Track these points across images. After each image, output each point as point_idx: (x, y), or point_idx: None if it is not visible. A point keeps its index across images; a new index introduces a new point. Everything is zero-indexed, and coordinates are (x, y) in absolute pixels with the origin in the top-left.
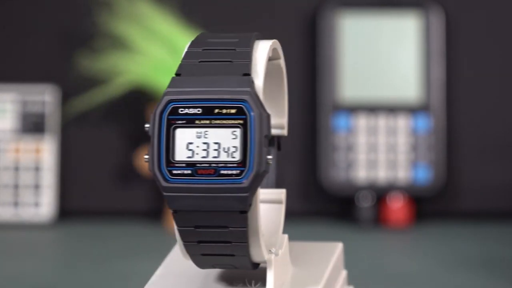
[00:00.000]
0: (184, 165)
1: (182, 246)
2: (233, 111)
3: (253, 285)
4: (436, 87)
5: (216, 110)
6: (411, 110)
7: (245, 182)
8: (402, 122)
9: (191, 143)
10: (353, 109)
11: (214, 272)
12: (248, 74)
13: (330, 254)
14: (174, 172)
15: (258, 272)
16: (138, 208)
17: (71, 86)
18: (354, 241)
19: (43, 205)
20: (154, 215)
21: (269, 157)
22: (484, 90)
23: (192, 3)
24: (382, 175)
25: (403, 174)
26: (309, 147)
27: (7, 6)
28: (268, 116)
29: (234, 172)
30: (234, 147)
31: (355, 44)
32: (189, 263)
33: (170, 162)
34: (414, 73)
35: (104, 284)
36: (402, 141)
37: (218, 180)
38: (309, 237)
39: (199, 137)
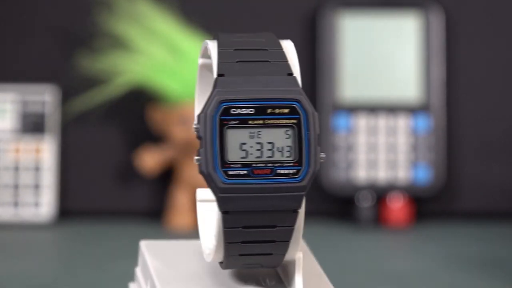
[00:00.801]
0: (239, 165)
1: (221, 247)
2: (286, 110)
3: (268, 283)
4: (436, 87)
5: (269, 110)
6: (411, 110)
7: (304, 181)
8: (402, 122)
9: (244, 144)
10: (353, 109)
11: (224, 270)
12: (291, 74)
13: (306, 251)
14: (230, 172)
15: (266, 270)
16: (138, 208)
17: (71, 86)
18: (354, 241)
19: (43, 205)
20: (154, 215)
21: (322, 155)
22: (484, 90)
23: (192, 3)
24: (382, 175)
25: (403, 174)
26: None
27: (7, 6)
28: (318, 115)
29: (290, 171)
30: (288, 146)
31: (355, 44)
32: (180, 262)
33: (225, 163)
34: (414, 73)
35: (104, 284)
36: (402, 141)
37: (275, 180)
38: (309, 237)
39: (252, 137)
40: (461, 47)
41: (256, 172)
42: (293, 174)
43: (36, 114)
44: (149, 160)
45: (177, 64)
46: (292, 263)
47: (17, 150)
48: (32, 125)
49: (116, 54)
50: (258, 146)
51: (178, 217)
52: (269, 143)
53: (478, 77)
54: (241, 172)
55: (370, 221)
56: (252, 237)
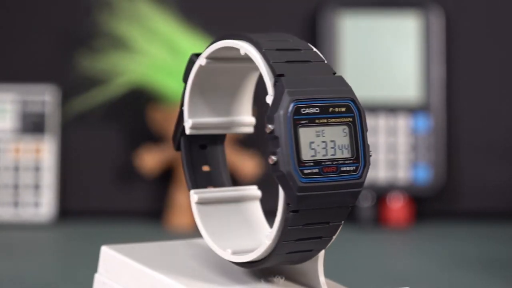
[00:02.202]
0: (312, 164)
1: (272, 245)
2: (343, 109)
3: (279, 279)
4: (436, 87)
5: (331, 109)
6: (411, 110)
7: (362, 177)
8: (402, 122)
9: (312, 142)
10: None
11: (229, 268)
12: (335, 73)
13: None
14: (305, 171)
15: (272, 268)
16: (138, 208)
17: (71, 86)
18: (354, 241)
19: (43, 205)
20: (154, 215)
21: (371, 152)
22: (484, 90)
23: (192, 3)
24: (382, 175)
25: (403, 174)
26: None
27: (7, 6)
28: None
29: (351, 168)
30: (346, 144)
31: (355, 44)
32: (176, 263)
33: (301, 162)
34: (414, 73)
35: None
36: (402, 141)
37: (341, 177)
38: None
39: (318, 135)
40: (461, 47)
41: (325, 170)
42: (353, 171)
43: (36, 114)
44: (149, 160)
45: (177, 64)
46: (313, 260)
47: (17, 150)
48: (32, 125)
49: (116, 54)
50: (323, 145)
51: (178, 217)
52: (332, 141)
53: (478, 77)
54: (314, 171)
55: (370, 221)
56: (307, 234)
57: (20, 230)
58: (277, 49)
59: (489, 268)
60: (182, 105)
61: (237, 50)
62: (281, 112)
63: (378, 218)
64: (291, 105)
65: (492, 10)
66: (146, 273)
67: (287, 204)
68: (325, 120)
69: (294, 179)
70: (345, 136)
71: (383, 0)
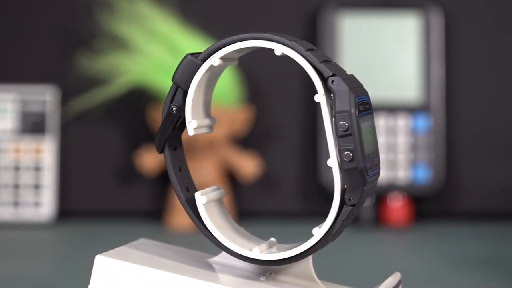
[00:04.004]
0: (367, 159)
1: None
2: (368, 106)
3: (272, 275)
4: (436, 87)
5: (367, 106)
6: (411, 110)
7: (380, 172)
8: (402, 122)
9: (364, 138)
10: None
11: (221, 264)
12: (345, 72)
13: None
14: (367, 166)
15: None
16: (138, 208)
17: (71, 86)
18: (354, 241)
19: (43, 205)
20: (154, 215)
21: None
22: (483, 90)
23: (192, 3)
24: (382, 175)
25: (403, 174)
26: (309, 147)
27: (7, 6)
28: None
29: (376, 162)
30: (371, 139)
31: (355, 44)
32: (178, 262)
33: (365, 158)
34: (414, 73)
35: None
36: (402, 141)
37: (375, 171)
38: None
39: (365, 131)
40: (461, 47)
41: (371, 164)
42: (377, 164)
43: (36, 114)
44: (149, 160)
45: (177, 64)
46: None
47: (17, 150)
48: (32, 125)
49: (116, 54)
50: (367, 140)
51: (178, 217)
52: (368, 136)
53: (478, 77)
54: (369, 165)
55: (370, 221)
56: (342, 227)
57: (20, 230)
58: (308, 49)
59: (489, 268)
60: (170, 105)
61: (245, 50)
62: (352, 110)
63: (378, 218)
64: (357, 103)
65: (492, 10)
66: (159, 274)
67: (348, 198)
68: (368, 116)
69: (364, 174)
70: (371, 131)
71: (383, 0)
